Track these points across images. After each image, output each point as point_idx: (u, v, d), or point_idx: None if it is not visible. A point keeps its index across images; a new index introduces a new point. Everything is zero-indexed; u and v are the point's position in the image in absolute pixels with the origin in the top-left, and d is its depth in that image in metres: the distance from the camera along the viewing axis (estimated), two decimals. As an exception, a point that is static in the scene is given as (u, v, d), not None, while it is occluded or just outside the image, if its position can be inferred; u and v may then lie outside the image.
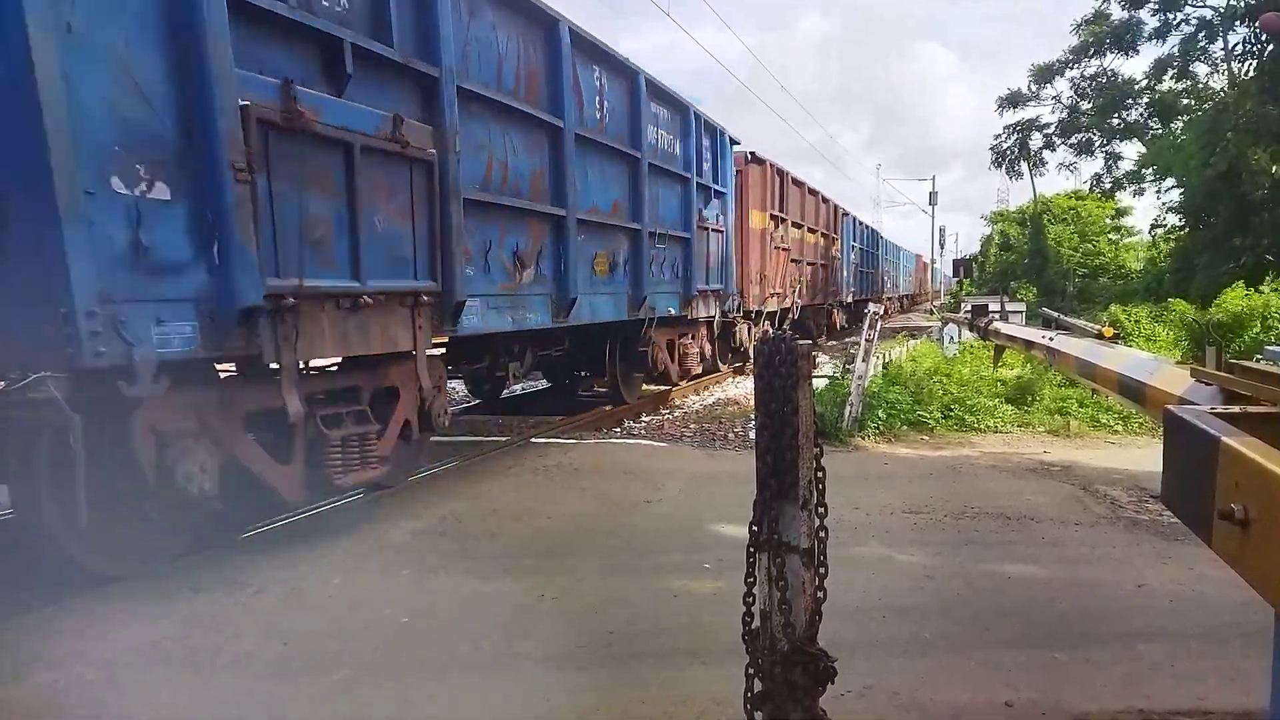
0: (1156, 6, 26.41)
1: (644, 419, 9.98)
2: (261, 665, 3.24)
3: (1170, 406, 2.03)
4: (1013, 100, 32.84)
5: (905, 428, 8.25)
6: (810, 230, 18.63)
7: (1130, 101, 29.81)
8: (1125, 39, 28.00)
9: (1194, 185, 21.23)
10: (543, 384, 12.51)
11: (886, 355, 12.61)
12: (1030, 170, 34.80)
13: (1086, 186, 35.09)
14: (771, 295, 14.97)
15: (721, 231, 11.90)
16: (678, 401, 11.51)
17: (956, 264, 39.14)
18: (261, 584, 4.11)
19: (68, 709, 2.93)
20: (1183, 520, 1.88)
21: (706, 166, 11.30)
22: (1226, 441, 1.57)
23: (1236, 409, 2.04)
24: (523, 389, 12.39)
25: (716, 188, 11.65)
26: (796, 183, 17.32)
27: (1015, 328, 9.07)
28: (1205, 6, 25.57)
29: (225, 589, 4.05)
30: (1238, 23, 22.81)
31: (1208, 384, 2.62)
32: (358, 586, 4.11)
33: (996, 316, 11.59)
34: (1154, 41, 27.47)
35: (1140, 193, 31.52)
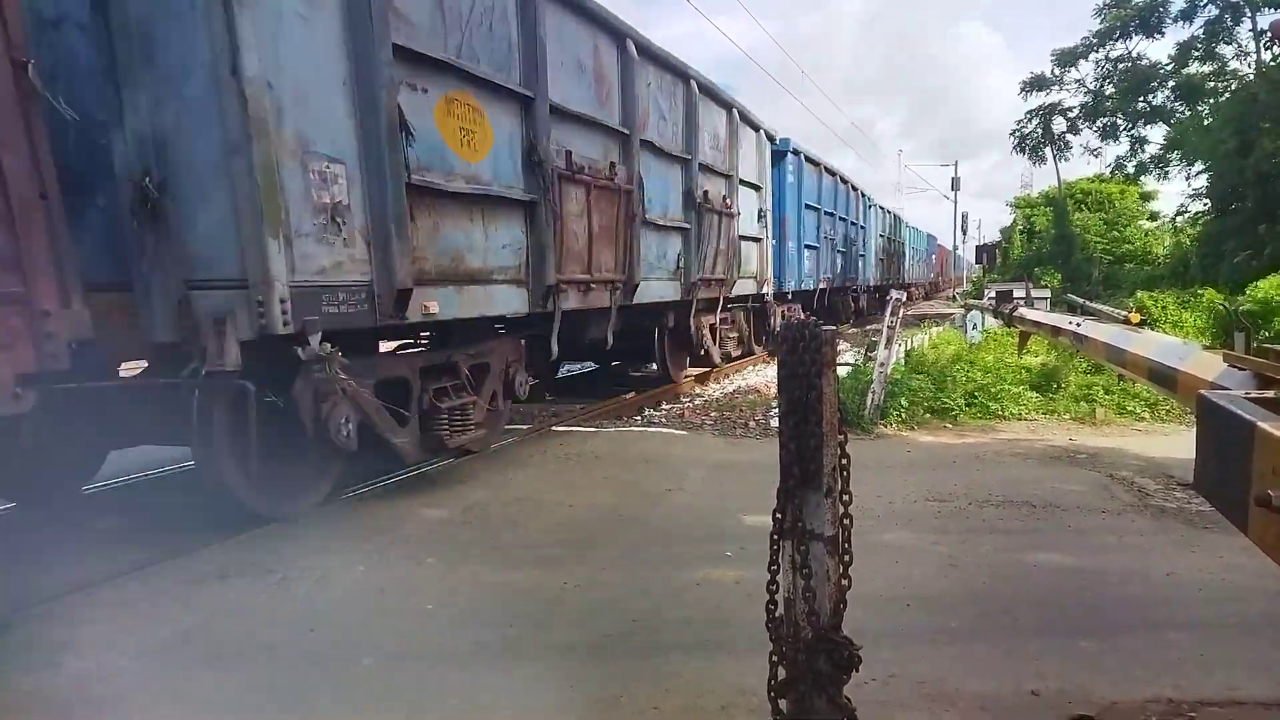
0: None
1: (664, 407, 9.97)
2: (289, 652, 3.28)
3: (1203, 392, 2.00)
4: (1036, 84, 32.40)
5: (928, 415, 8.19)
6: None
7: (1155, 85, 29.29)
8: (1150, 21, 27.56)
9: (1224, 167, 20.80)
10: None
11: (909, 343, 12.51)
12: (1055, 154, 34.34)
13: (1109, 172, 34.59)
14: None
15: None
16: (697, 390, 11.49)
17: (979, 250, 38.72)
18: (287, 571, 4.16)
19: (102, 697, 2.97)
20: (1217, 507, 1.85)
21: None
22: (1262, 427, 1.54)
23: (1271, 393, 2.00)
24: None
25: None
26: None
27: (1041, 314, 8.96)
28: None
29: (252, 576, 4.10)
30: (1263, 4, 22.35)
31: (1241, 369, 2.57)
32: (383, 574, 4.15)
33: (1021, 303, 11.47)
34: (1179, 23, 27.04)
35: (1165, 176, 30.98)
